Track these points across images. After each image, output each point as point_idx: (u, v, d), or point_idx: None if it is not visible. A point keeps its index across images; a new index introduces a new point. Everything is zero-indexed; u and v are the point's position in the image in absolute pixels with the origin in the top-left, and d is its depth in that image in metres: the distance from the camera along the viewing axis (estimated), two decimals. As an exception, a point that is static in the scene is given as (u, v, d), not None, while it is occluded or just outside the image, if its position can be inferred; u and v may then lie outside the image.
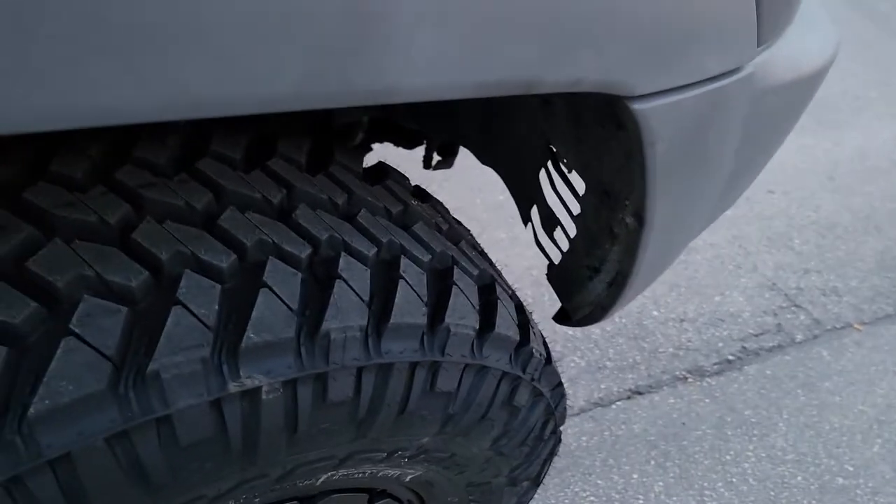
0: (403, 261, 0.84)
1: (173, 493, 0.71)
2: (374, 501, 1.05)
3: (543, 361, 1.02)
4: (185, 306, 0.68)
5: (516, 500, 1.22)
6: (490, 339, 0.90)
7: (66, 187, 0.74)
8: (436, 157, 1.66)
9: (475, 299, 0.90)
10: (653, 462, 2.18)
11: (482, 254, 1.08)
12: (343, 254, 0.80)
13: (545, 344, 1.07)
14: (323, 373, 0.74)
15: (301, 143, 0.92)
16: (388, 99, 0.56)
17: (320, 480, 0.89)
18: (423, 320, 0.82)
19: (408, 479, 1.01)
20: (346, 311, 0.76)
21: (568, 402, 2.34)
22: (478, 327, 0.88)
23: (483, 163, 1.44)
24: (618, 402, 2.36)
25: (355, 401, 0.78)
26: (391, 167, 1.06)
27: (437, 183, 2.94)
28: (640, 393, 2.41)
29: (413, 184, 1.15)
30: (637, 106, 0.73)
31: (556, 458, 2.15)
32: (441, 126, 1.37)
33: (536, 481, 1.23)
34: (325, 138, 0.99)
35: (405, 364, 0.80)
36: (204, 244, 0.73)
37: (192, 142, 0.84)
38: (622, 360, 2.51)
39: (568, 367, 2.44)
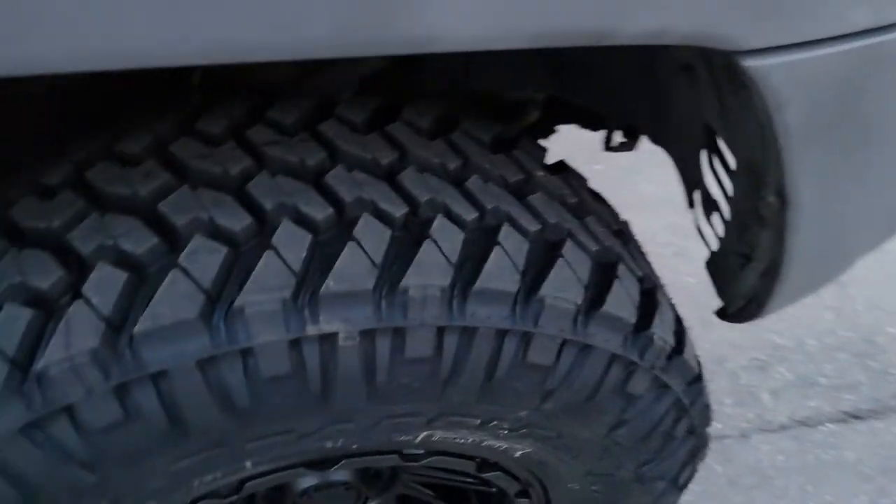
0: (505, 228, 0.83)
1: (259, 422, 0.78)
2: (483, 471, 1.05)
3: (669, 351, 0.94)
4: (276, 251, 0.74)
5: (651, 501, 1.14)
6: (596, 317, 0.85)
7: (205, 142, 0.84)
8: (620, 139, 1.60)
9: (585, 274, 0.86)
10: (864, 497, 1.90)
11: (619, 233, 1.02)
12: (439, 216, 0.80)
13: (680, 334, 0.99)
14: (401, 327, 0.76)
15: (428, 109, 0.94)
16: (430, 48, 0.55)
17: (418, 438, 0.91)
18: (515, 288, 0.80)
19: (517, 454, 0.99)
20: (429, 269, 0.77)
21: (767, 416, 2.12)
22: (580, 302, 0.84)
23: (655, 143, 1.36)
24: (828, 424, 2.09)
25: (436, 360, 0.79)
26: (528, 139, 1.04)
27: (643, 170, 2.82)
28: (858, 417, 2.11)
29: (561, 159, 1.12)
30: (751, 62, 0.64)
31: (743, 475, 1.97)
32: (609, 104, 1.32)
33: (676, 484, 1.14)
34: (456, 106, 1.00)
35: (492, 330, 0.79)
36: (307, 197, 0.78)
37: (322, 106, 0.91)
38: (840, 378, 2.22)
39: (772, 378, 2.21)
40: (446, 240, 0.79)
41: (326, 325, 0.73)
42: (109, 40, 0.49)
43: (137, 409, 0.73)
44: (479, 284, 0.78)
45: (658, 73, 1.06)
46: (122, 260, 0.74)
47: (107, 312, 0.71)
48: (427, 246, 0.78)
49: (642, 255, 1.08)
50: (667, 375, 0.94)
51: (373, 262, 0.75)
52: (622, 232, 1.04)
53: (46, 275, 0.74)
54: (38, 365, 0.70)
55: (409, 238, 0.79)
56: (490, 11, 0.55)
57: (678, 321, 1.01)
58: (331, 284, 0.73)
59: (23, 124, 1.14)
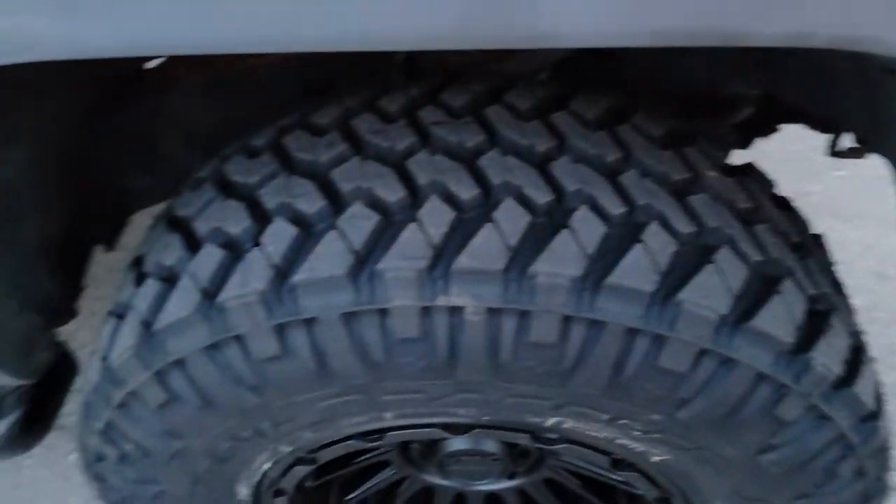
0: (653, 226, 0.81)
1: (393, 378, 0.85)
2: (618, 469, 1.04)
3: (834, 381, 0.85)
4: (420, 224, 0.80)
5: (810, 539, 1.05)
6: (744, 330, 0.80)
7: (382, 118, 0.92)
8: (849, 145, 1.44)
9: (737, 284, 0.81)
10: None
11: (798, 246, 0.94)
12: (583, 206, 0.81)
13: (853, 365, 0.89)
14: (527, 311, 0.78)
15: (599, 100, 0.94)
16: (547, 43, 0.56)
17: (548, 422, 0.93)
18: (652, 288, 0.78)
19: (654, 459, 0.96)
20: (562, 258, 0.78)
21: None
22: (727, 313, 0.79)
23: (876, 153, 1.21)
24: None
25: (561, 348, 0.80)
26: (707, 137, 0.99)
27: (899, 182, 2.47)
28: None
29: (748, 161, 1.05)
30: (930, 69, 0.57)
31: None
32: (821, 104, 1.19)
33: (843, 529, 1.03)
34: (639, 98, 0.99)
35: (621, 327, 0.79)
36: (458, 177, 0.83)
37: (495, 91, 0.95)
38: None
39: None
40: (585, 231, 0.79)
41: (456, 297, 0.78)
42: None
43: (292, 348, 0.83)
44: (611, 279, 0.78)
45: (871, 75, 0.94)
46: (295, 217, 0.85)
47: (276, 261, 0.82)
48: (563, 235, 0.79)
49: (829, 272, 0.99)
50: (828, 406, 0.86)
51: (507, 244, 0.78)
52: (803, 245, 0.95)
53: (239, 223, 0.87)
54: (221, 297, 0.84)
55: (548, 225, 0.81)
56: (614, 8, 0.55)
57: (856, 351, 0.91)
58: (464, 260, 0.78)
59: (256, 92, 1.32)
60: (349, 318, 0.81)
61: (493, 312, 0.79)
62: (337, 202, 0.85)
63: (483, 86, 0.96)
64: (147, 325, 0.89)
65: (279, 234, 0.84)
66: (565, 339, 0.80)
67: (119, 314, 0.97)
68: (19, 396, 1.22)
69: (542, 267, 0.77)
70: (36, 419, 1.28)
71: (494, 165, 0.84)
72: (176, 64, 1.40)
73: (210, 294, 0.85)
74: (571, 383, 0.83)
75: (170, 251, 0.92)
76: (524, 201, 0.81)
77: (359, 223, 0.82)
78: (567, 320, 0.79)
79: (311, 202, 0.85)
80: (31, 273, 1.18)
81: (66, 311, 1.27)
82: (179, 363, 0.88)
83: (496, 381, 0.85)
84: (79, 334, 1.36)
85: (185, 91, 1.36)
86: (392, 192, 0.83)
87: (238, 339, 0.84)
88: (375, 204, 0.83)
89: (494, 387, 0.86)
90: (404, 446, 1.23)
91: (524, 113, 0.91)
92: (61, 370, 1.27)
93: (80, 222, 1.33)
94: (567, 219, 0.80)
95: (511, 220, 0.80)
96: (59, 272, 1.25)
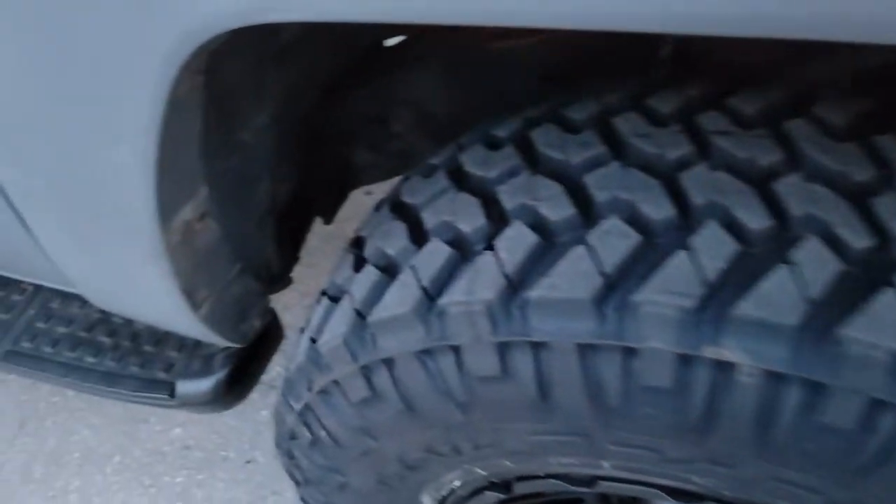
0: None
1: (626, 428, 0.71)
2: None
3: None
4: (693, 253, 0.65)
5: None
6: None
7: (650, 120, 0.78)
8: None
9: None
10: None
11: None
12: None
13: None
14: (824, 384, 0.61)
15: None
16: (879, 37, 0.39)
17: (806, 515, 0.75)
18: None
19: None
20: (884, 325, 0.59)
21: None
22: None
23: None
24: None
25: (860, 436, 0.62)
26: None
27: None
28: None
29: None
30: None
31: None
32: None
33: None
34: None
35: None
36: (745, 202, 0.67)
37: (797, 100, 0.77)
38: None
39: None
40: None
41: (727, 351, 0.63)
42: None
43: (513, 370, 0.73)
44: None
45: None
46: (537, 223, 0.73)
47: (510, 270, 0.72)
48: (888, 295, 0.60)
49: None
50: None
51: (807, 295, 0.61)
52: None
53: (471, 220, 0.78)
54: (443, 300, 0.75)
55: (866, 278, 0.62)
56: None
57: None
58: (747, 307, 0.62)
59: (495, 77, 1.23)
60: (587, 350, 0.68)
61: (773, 377, 0.62)
62: (588, 212, 0.72)
63: (782, 93, 0.78)
64: (361, 315, 0.83)
65: (516, 240, 0.73)
66: (870, 427, 0.61)
67: (333, 296, 0.92)
68: (227, 357, 1.23)
69: (857, 332, 0.59)
70: (239, 379, 1.29)
71: (795, 193, 0.67)
72: (417, 42, 1.35)
73: (431, 295, 0.76)
74: (866, 482, 0.65)
75: (393, 239, 0.85)
76: (834, 243, 0.63)
77: (613, 241, 0.69)
78: (877, 405, 0.60)
79: (557, 208, 0.73)
80: (255, 237, 1.19)
81: (281, 279, 1.28)
82: (388, 362, 0.81)
83: (758, 460, 0.68)
84: (282, 298, 1.37)
85: (423, 71, 1.31)
86: (658, 210, 0.69)
87: (455, 349, 0.75)
88: (636, 220, 0.69)
89: (753, 465, 0.69)
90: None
91: (837, 131, 0.72)
92: (268, 336, 1.28)
93: (305, 191, 1.33)
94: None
95: (814, 266, 0.62)
96: (281, 239, 1.25)
